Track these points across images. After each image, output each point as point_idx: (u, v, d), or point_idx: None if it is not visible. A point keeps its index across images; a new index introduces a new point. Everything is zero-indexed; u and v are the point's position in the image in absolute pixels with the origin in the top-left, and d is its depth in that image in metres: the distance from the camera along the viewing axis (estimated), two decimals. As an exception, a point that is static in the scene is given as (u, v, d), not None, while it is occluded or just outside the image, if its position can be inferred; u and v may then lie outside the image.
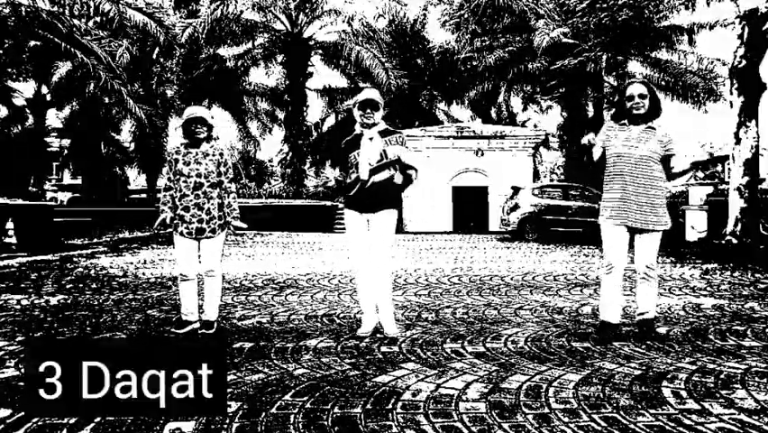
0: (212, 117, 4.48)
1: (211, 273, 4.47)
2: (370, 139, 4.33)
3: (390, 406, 2.90)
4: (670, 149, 4.27)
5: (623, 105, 4.31)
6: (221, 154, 4.48)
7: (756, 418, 2.75)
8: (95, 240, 13.99)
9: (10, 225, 11.55)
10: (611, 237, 4.29)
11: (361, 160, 4.29)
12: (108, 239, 14.25)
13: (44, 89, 22.56)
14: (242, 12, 24.53)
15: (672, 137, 4.31)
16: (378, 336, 4.34)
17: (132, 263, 9.60)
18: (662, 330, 4.59)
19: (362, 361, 3.70)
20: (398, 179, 4.32)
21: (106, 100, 23.00)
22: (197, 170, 4.38)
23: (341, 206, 23.44)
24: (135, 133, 25.78)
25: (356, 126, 4.43)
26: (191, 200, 4.36)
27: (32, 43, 17.60)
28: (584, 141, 4.47)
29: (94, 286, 7.01)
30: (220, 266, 4.53)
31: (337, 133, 4.58)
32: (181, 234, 4.40)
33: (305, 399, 3.00)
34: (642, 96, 4.23)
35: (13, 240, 11.49)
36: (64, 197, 33.77)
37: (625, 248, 4.30)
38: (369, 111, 4.30)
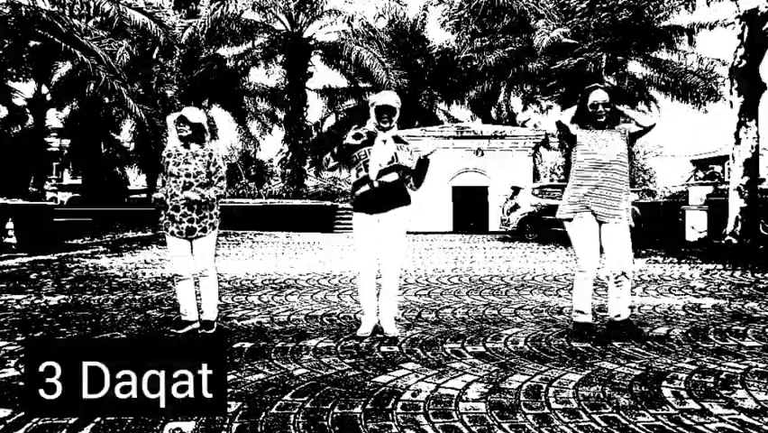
0: (198, 117, 4.40)
1: (205, 273, 4.46)
2: (384, 141, 4.33)
3: (390, 406, 2.89)
4: (628, 131, 4.33)
5: (584, 111, 4.32)
6: (210, 155, 4.44)
7: (756, 418, 2.75)
8: (95, 240, 13.99)
9: (10, 225, 11.55)
10: (581, 235, 4.30)
11: (372, 159, 4.29)
12: (108, 239, 14.26)
13: (44, 89, 22.55)
14: (242, 12, 24.54)
15: (627, 127, 4.36)
16: (378, 336, 4.34)
17: (132, 263, 9.60)
18: (662, 330, 4.59)
19: (362, 361, 3.70)
20: (430, 155, 4.34)
21: (106, 100, 23.00)
22: (186, 169, 4.37)
23: (341, 206, 23.46)
24: (135, 133, 25.79)
25: (368, 123, 4.42)
26: (180, 200, 4.36)
27: (32, 43, 17.60)
28: (556, 117, 4.45)
29: (94, 286, 7.01)
30: (213, 265, 4.53)
31: (338, 134, 4.57)
32: (172, 233, 4.40)
33: (305, 399, 3.00)
34: (605, 105, 4.25)
35: (13, 240, 11.50)
36: (64, 197, 33.80)
37: (597, 245, 4.30)
38: (385, 117, 4.30)
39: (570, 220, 4.36)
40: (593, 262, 4.30)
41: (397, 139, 4.38)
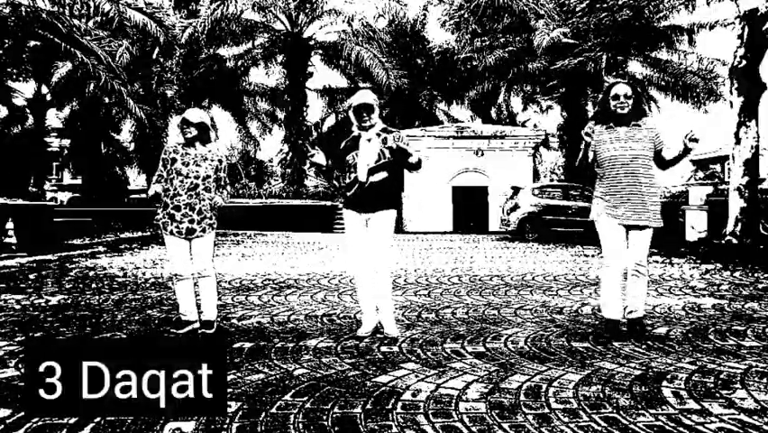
0: (200, 117, 4.41)
1: (204, 273, 4.47)
2: (368, 140, 4.34)
3: (390, 406, 2.89)
4: (659, 143, 4.30)
5: (607, 106, 4.32)
6: (219, 161, 4.51)
7: (756, 418, 2.75)
8: (95, 240, 13.99)
9: (10, 225, 11.55)
10: (609, 234, 4.32)
11: (360, 161, 4.31)
12: (108, 239, 14.25)
13: (44, 89, 22.55)
14: (242, 12, 24.54)
15: (658, 130, 4.33)
16: (378, 336, 4.34)
17: (132, 263, 9.60)
18: (662, 330, 4.59)
19: (362, 361, 3.70)
20: (414, 158, 4.29)
21: (106, 100, 22.99)
22: (196, 171, 4.39)
23: (340, 206, 23.46)
24: (135, 133, 25.79)
25: (353, 128, 4.44)
26: (183, 200, 4.36)
27: (32, 43, 17.59)
28: (585, 131, 4.37)
29: (94, 286, 7.01)
30: (212, 265, 4.54)
31: (335, 137, 4.58)
32: (171, 233, 4.41)
33: (305, 399, 3.00)
34: (627, 97, 4.25)
35: (13, 240, 11.49)
36: (64, 197, 33.81)
37: (623, 243, 4.33)
38: (365, 115, 4.31)
39: (600, 219, 4.38)
40: (619, 258, 4.31)
41: (383, 131, 4.37)
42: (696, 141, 4.08)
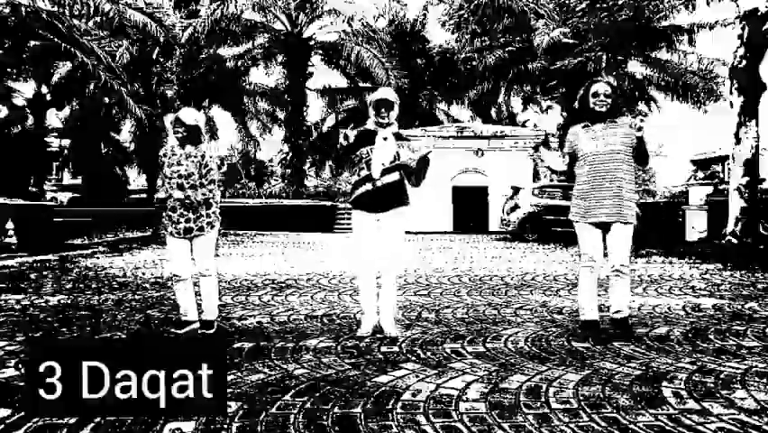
0: (194, 119, 4.37)
1: (206, 272, 4.46)
2: (385, 139, 4.31)
3: (390, 406, 2.89)
4: (633, 139, 4.29)
5: (586, 103, 4.35)
6: (202, 156, 4.41)
7: (756, 418, 2.75)
8: (95, 240, 13.99)
9: (10, 225, 11.54)
10: (587, 235, 4.34)
11: (375, 158, 4.27)
12: (108, 239, 14.25)
13: (44, 89, 22.54)
14: (242, 12, 24.51)
15: (633, 121, 4.32)
16: (378, 336, 4.34)
17: (132, 263, 9.59)
18: (662, 330, 4.59)
19: (362, 361, 3.70)
20: (429, 154, 4.27)
21: (106, 100, 23.00)
22: (178, 171, 4.38)
23: (341, 206, 23.44)
24: (135, 133, 25.80)
25: (368, 122, 4.42)
26: (176, 200, 4.37)
27: (32, 43, 17.59)
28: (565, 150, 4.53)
29: (94, 286, 7.01)
30: (214, 264, 4.52)
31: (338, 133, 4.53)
32: (171, 234, 4.41)
33: (305, 399, 3.00)
34: (607, 95, 4.29)
35: (14, 240, 11.49)
36: (64, 197, 33.75)
37: (601, 245, 4.35)
38: (383, 111, 4.30)
39: (577, 222, 4.39)
40: (598, 258, 4.33)
41: (398, 137, 4.37)
42: (641, 129, 4.17)
